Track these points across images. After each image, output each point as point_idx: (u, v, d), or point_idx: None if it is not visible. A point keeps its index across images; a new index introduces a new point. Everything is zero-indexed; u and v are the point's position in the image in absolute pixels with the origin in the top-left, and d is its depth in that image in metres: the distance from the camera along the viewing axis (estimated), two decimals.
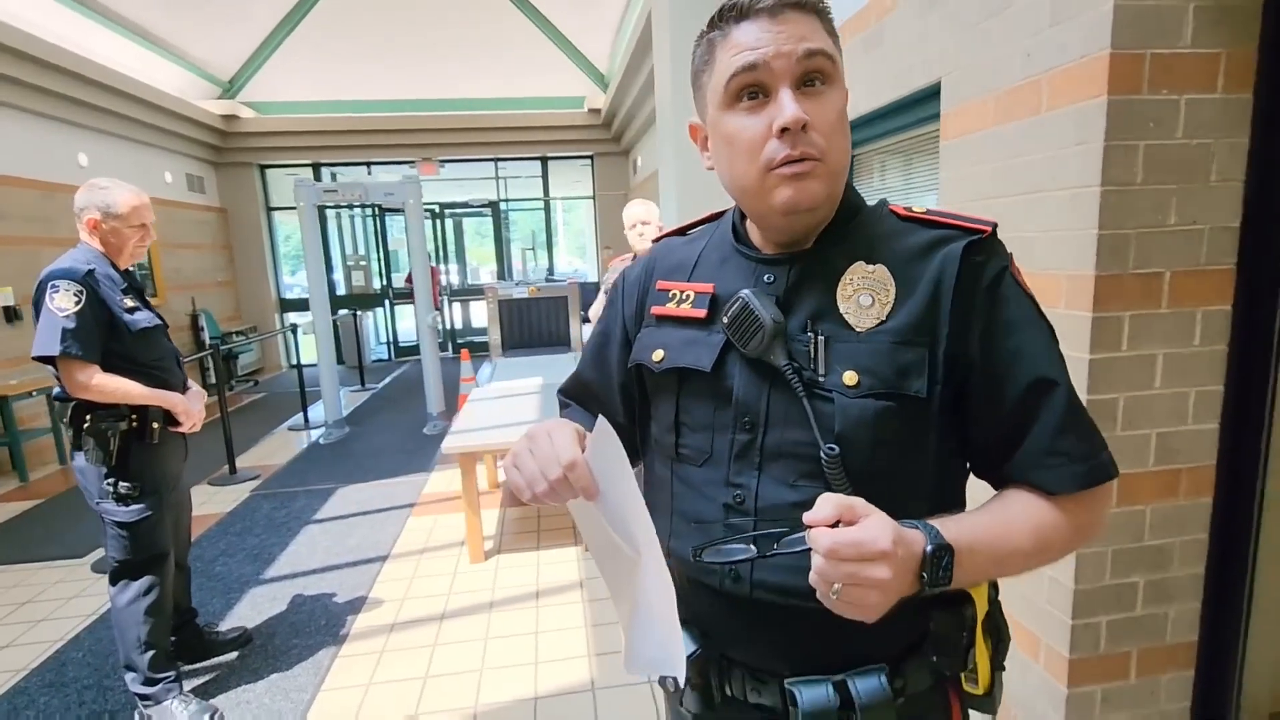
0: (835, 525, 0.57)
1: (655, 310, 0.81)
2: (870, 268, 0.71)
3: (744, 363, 0.72)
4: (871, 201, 0.78)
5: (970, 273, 0.69)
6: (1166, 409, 1.55)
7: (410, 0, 7.52)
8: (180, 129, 7.47)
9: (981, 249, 0.70)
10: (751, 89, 0.67)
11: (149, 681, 2.08)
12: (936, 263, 0.69)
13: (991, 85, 1.76)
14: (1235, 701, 1.66)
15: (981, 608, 0.72)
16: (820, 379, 0.69)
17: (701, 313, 0.76)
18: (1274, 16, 1.39)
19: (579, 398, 0.97)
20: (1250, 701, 1.76)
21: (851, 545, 0.56)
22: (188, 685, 2.21)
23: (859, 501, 0.59)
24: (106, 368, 1.98)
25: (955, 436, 0.72)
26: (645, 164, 8.03)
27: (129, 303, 2.08)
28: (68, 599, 2.97)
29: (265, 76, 8.33)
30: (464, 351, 5.57)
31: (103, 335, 1.98)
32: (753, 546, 0.68)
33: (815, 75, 0.67)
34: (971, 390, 0.70)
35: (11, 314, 5.08)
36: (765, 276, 0.74)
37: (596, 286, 6.22)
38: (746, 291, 0.71)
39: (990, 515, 0.68)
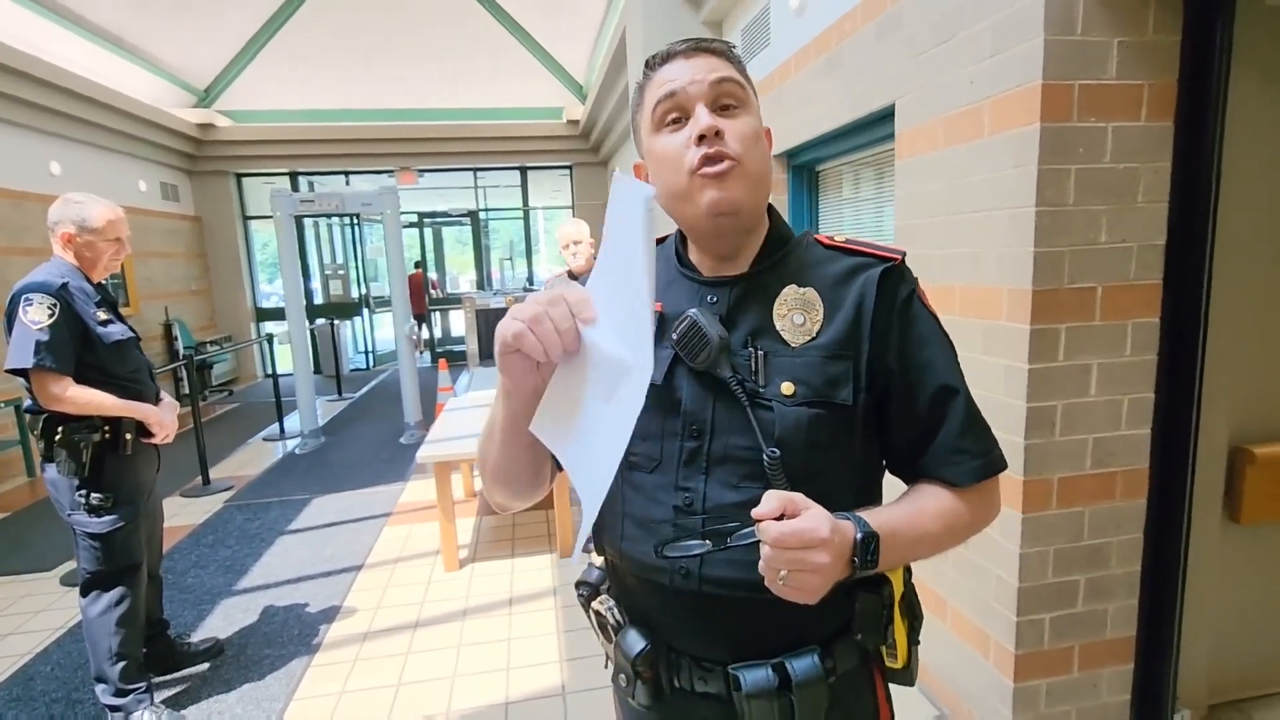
0: (780, 519, 0.65)
1: None
2: (801, 290, 0.79)
3: (691, 375, 0.79)
4: (798, 232, 0.87)
5: (886, 295, 0.78)
6: (1102, 415, 1.64)
7: (389, 10, 7.56)
8: (154, 137, 7.41)
9: (894, 275, 0.80)
10: (674, 113, 0.77)
11: (120, 693, 2.08)
12: (857, 286, 0.79)
13: (940, 109, 1.86)
14: (1171, 692, 1.75)
15: (898, 589, 0.81)
16: (761, 389, 0.76)
17: None
18: (1191, 51, 1.50)
19: None
20: (1188, 692, 1.86)
21: (795, 534, 0.63)
22: (159, 696, 2.21)
23: (799, 496, 0.67)
24: (79, 380, 2.00)
25: (875, 438, 0.81)
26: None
27: (102, 315, 2.09)
28: (35, 613, 2.94)
29: (242, 85, 8.31)
30: (442, 361, 5.59)
31: (76, 348, 2.00)
32: (708, 542, 0.75)
33: (727, 99, 0.77)
34: (889, 398, 0.79)
35: None
36: (709, 297, 0.82)
37: None
38: (694, 310, 0.78)
39: (906, 506, 0.78)
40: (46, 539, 3.69)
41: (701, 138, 0.73)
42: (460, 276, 12.66)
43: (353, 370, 9.50)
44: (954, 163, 1.82)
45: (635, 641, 0.83)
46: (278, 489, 4.51)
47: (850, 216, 2.94)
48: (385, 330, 9.46)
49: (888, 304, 0.78)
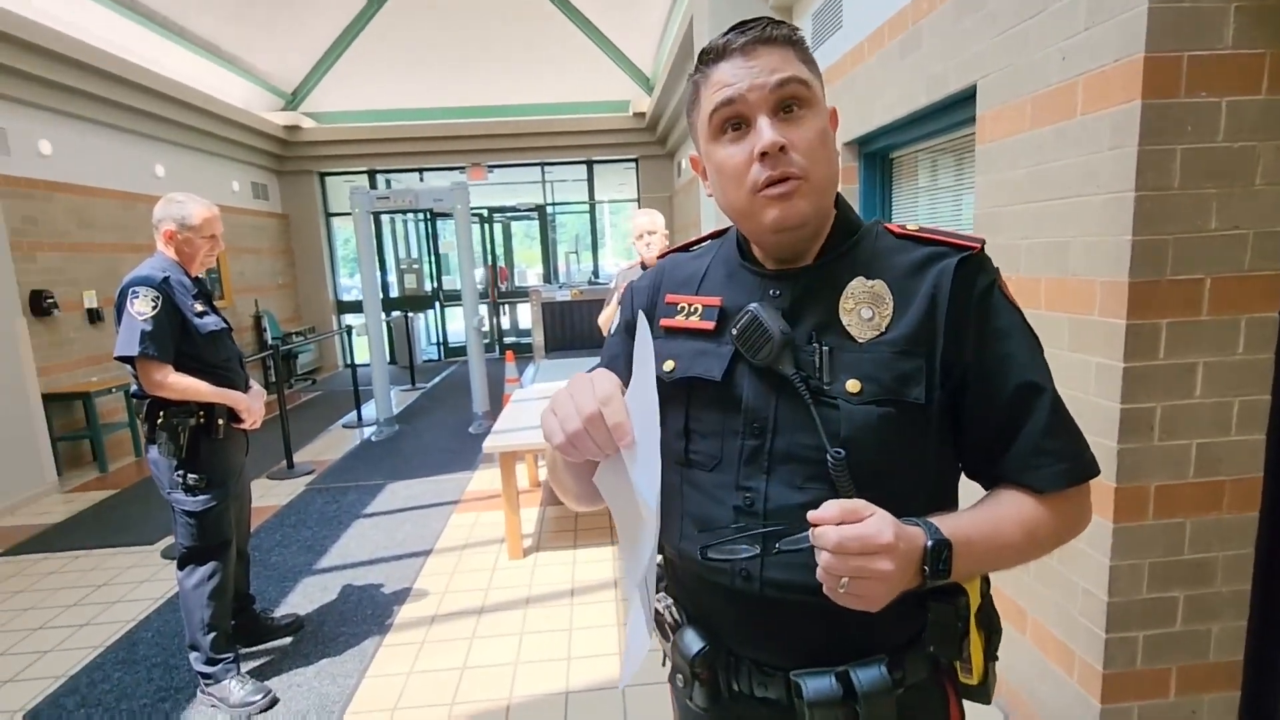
0: (839, 525, 0.62)
1: (664, 322, 0.85)
2: (869, 283, 0.75)
3: (752, 372, 0.76)
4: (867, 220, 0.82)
5: (963, 286, 0.73)
6: (1208, 419, 1.50)
7: (460, 10, 7.76)
8: (247, 140, 7.87)
9: (972, 264, 0.74)
10: (733, 120, 0.73)
11: (210, 661, 2.22)
12: (931, 277, 0.74)
13: (1027, 88, 1.74)
14: None
15: (975, 600, 0.76)
16: (826, 387, 0.73)
17: (710, 325, 0.81)
18: None
19: None
20: None
21: (856, 540, 0.60)
22: (245, 666, 2.35)
23: (861, 503, 0.63)
24: (178, 368, 2.14)
25: (950, 439, 0.76)
26: (689, 167, 8.05)
27: (199, 307, 2.23)
28: (139, 582, 3.19)
29: (325, 88, 8.72)
30: (509, 353, 5.71)
31: (176, 337, 2.14)
32: (756, 547, 0.73)
33: (791, 101, 0.72)
34: (966, 396, 0.74)
35: (94, 315, 5.46)
36: (772, 291, 0.78)
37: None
38: (755, 305, 0.75)
39: (984, 512, 0.73)
40: (150, 515, 3.99)
41: (764, 154, 0.70)
42: (528, 270, 12.90)
43: (425, 361, 9.86)
44: (1041, 145, 1.70)
45: (693, 642, 0.81)
46: (355, 474, 4.72)
47: (926, 206, 2.81)
48: (457, 323, 9.75)
49: (965, 296, 0.73)
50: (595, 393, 0.66)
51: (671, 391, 0.83)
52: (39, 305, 4.91)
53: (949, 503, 0.78)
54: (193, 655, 2.24)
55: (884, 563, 0.61)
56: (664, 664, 0.90)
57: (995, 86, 1.89)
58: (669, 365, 0.83)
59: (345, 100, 8.86)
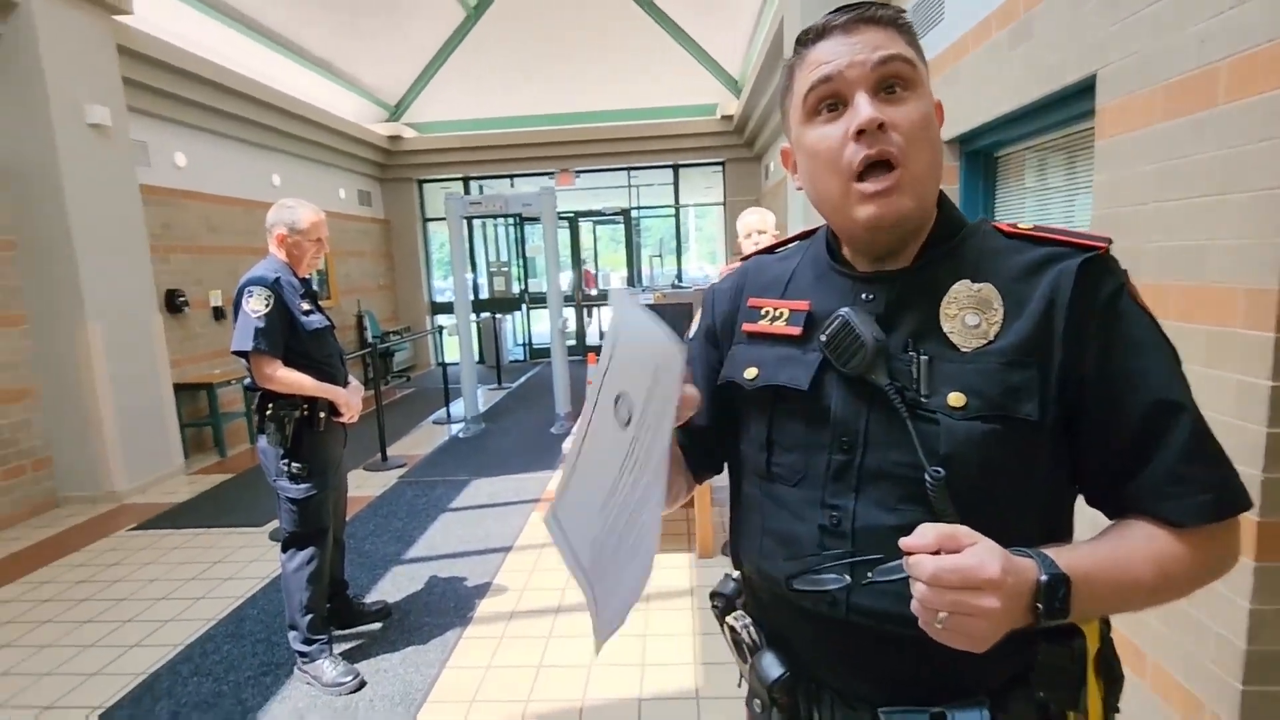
0: (936, 554, 0.56)
1: (747, 327, 0.82)
2: (975, 286, 0.69)
3: (842, 382, 0.71)
4: (971, 219, 0.76)
5: (1085, 291, 0.66)
6: None
7: (551, 21, 7.97)
8: (354, 150, 8.39)
9: (1096, 266, 0.66)
10: (830, 100, 0.68)
11: (307, 641, 2.36)
12: (1048, 281, 0.67)
13: (1157, 76, 1.58)
14: None
15: (1093, 643, 0.67)
16: (924, 400, 0.67)
17: (796, 330, 0.76)
18: None
19: None
20: None
21: (955, 572, 0.55)
22: (337, 649, 2.48)
23: (962, 529, 0.58)
24: (286, 363, 2.28)
25: (1066, 462, 0.69)
26: (777, 169, 7.90)
27: (305, 306, 2.38)
28: (249, 562, 3.43)
29: (425, 99, 9.18)
30: (590, 355, 5.78)
31: (285, 334, 2.29)
32: (847, 576, 0.68)
33: (894, 81, 0.67)
34: (1087, 414, 0.66)
35: (218, 313, 5.97)
36: (864, 294, 0.73)
37: None
38: (846, 309, 0.70)
39: (1108, 546, 0.64)
40: (260, 499, 4.30)
41: (861, 132, 0.65)
42: (612, 274, 13.06)
43: (512, 361, 10.15)
44: (1174, 139, 1.54)
45: (772, 666, 0.77)
46: (443, 469, 4.91)
47: (1034, 207, 2.61)
48: (542, 324, 9.99)
49: (1088, 301, 0.65)
50: None
51: (753, 400, 0.79)
52: (173, 303, 5.42)
53: (1063, 533, 0.71)
54: (291, 634, 2.38)
55: (988, 599, 0.54)
56: (740, 685, 0.86)
57: (1119, 76, 1.73)
58: (751, 372, 0.79)
59: (443, 110, 9.28)
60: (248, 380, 2.35)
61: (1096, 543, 0.65)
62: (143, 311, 4.77)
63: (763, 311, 0.81)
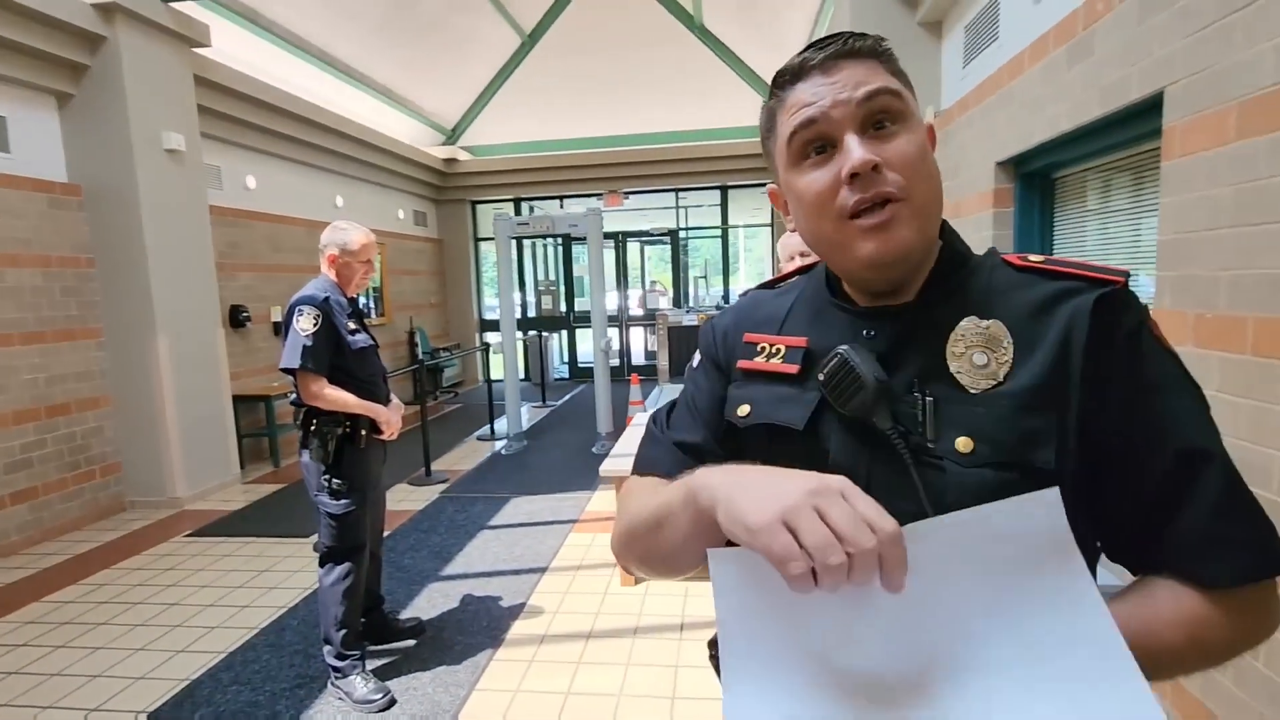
0: None
1: (742, 364, 0.77)
2: (984, 323, 0.64)
3: (841, 424, 0.67)
4: (979, 251, 0.71)
5: (1103, 330, 0.61)
6: None
7: (603, 46, 8.12)
8: (412, 172, 8.68)
9: (1113, 301, 0.62)
10: (816, 143, 0.64)
11: (340, 656, 2.38)
12: (1063, 318, 0.62)
13: (1231, 94, 1.48)
14: None
15: None
16: (930, 445, 0.62)
17: (793, 368, 0.72)
18: None
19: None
20: None
21: None
22: (370, 665, 2.49)
23: None
24: (330, 380, 2.34)
25: (1084, 514, 0.62)
26: None
27: (351, 325, 2.44)
28: (293, 571, 3.51)
29: (480, 123, 9.46)
30: (634, 376, 5.77)
31: (330, 352, 2.34)
32: None
33: (882, 116, 0.63)
34: (1109, 463, 0.61)
35: (278, 329, 6.19)
36: (866, 331, 0.69)
37: None
38: (845, 347, 0.66)
39: (1133, 606, 0.58)
40: (308, 510, 4.38)
41: (854, 175, 0.61)
42: (661, 295, 13.08)
43: (556, 379, 10.23)
44: (1249, 159, 1.43)
45: None
46: (483, 485, 4.95)
47: (1094, 231, 2.48)
48: (587, 343, 10.06)
49: (1106, 339, 0.60)
50: (869, 518, 0.50)
51: (750, 440, 0.75)
52: (236, 318, 5.68)
53: None
54: (326, 648, 2.41)
55: None
56: None
57: (1188, 93, 1.62)
58: (744, 410, 0.75)
59: (497, 134, 9.54)
60: (293, 395, 2.41)
61: (1120, 602, 0.59)
62: (207, 326, 5.01)
63: (759, 348, 0.77)
